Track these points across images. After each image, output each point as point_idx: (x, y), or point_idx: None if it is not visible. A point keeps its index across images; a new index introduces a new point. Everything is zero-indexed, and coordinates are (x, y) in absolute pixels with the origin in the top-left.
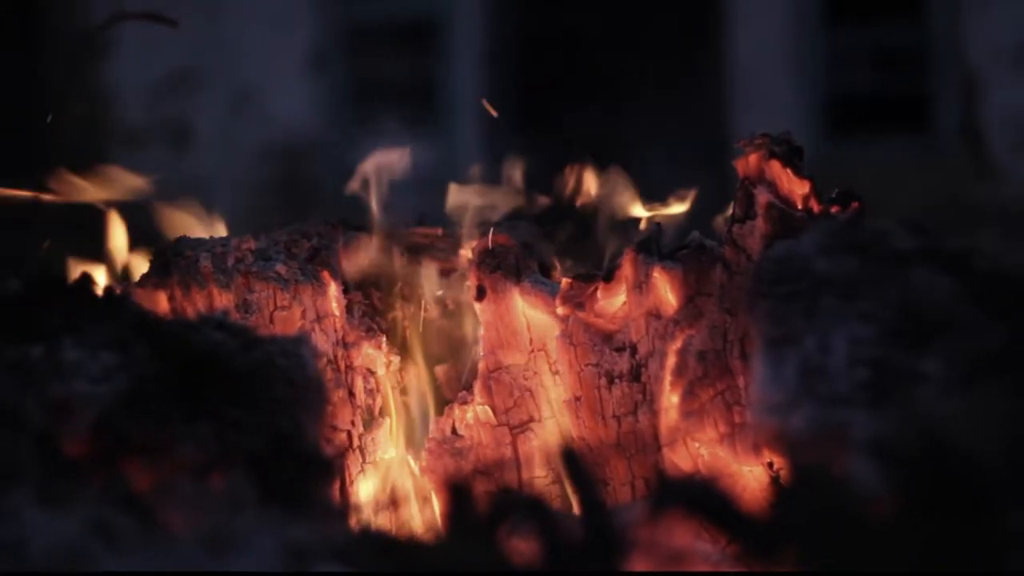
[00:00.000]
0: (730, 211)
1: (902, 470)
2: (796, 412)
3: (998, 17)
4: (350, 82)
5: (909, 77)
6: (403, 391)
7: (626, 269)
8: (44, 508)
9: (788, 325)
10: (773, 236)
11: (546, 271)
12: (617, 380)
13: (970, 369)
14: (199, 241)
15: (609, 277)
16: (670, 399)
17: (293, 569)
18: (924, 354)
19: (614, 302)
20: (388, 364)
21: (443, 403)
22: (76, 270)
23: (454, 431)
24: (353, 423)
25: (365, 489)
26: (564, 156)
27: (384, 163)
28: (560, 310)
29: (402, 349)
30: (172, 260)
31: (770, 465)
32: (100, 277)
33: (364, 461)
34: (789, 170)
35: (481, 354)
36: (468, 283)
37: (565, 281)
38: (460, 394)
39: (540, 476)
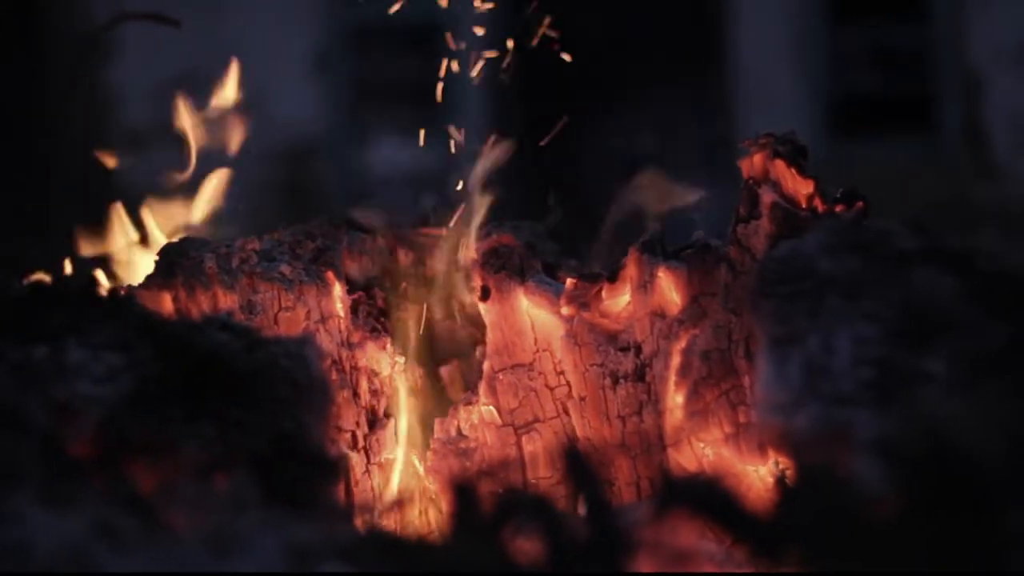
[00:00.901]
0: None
1: (905, 470)
2: (800, 412)
3: (999, 17)
4: (354, 83)
5: (911, 77)
6: (408, 392)
7: (630, 269)
8: (48, 509)
9: (792, 324)
10: (777, 236)
11: (550, 271)
12: (622, 380)
13: (972, 369)
14: (203, 242)
15: (613, 277)
16: (675, 399)
17: (297, 570)
18: (927, 354)
19: (619, 302)
20: (393, 365)
21: (448, 404)
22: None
23: (459, 432)
24: (358, 424)
25: (369, 490)
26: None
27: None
28: (565, 310)
29: (407, 350)
30: (176, 261)
31: (775, 465)
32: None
33: (369, 462)
34: (793, 170)
35: (486, 355)
36: (473, 283)
37: (569, 281)
38: (465, 395)
39: (545, 476)
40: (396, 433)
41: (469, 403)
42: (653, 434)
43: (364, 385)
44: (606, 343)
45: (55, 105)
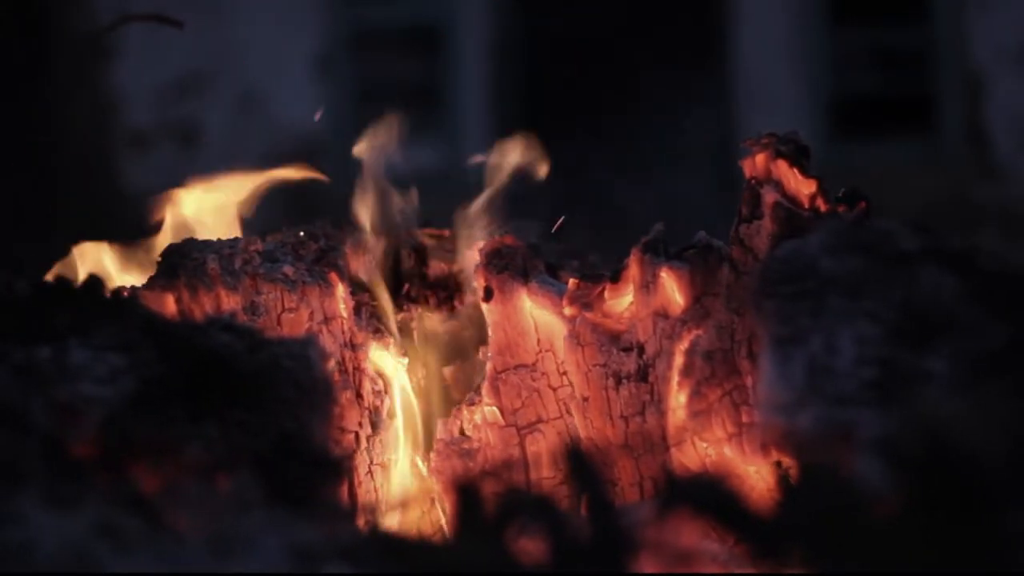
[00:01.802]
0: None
1: (907, 469)
2: (803, 412)
3: (1001, 18)
4: (356, 85)
5: (913, 78)
6: (411, 392)
7: (633, 269)
8: (50, 510)
9: (795, 324)
10: (780, 236)
11: (553, 271)
12: (624, 380)
13: (974, 368)
14: (206, 243)
15: (616, 277)
16: (677, 399)
17: (300, 571)
18: (929, 353)
19: (621, 302)
20: (396, 366)
21: (451, 404)
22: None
23: (462, 432)
24: (361, 424)
25: (372, 490)
26: (570, 158)
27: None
28: (567, 310)
29: (410, 351)
30: (179, 262)
31: (778, 465)
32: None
33: (372, 462)
34: (796, 170)
35: (489, 355)
36: (475, 284)
37: (572, 281)
38: (468, 395)
39: (548, 477)
40: (399, 434)
41: (472, 404)
42: (656, 434)
43: (367, 386)
44: (609, 343)
45: (58, 106)
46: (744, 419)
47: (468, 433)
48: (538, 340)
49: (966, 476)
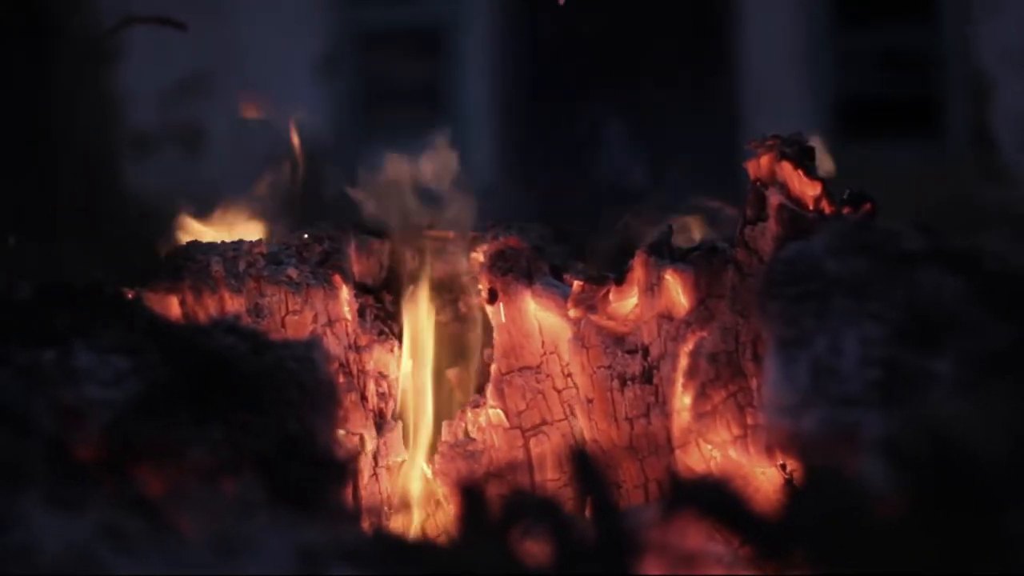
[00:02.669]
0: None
1: (912, 470)
2: (808, 413)
3: (1007, 20)
4: (360, 87)
5: (918, 79)
6: (415, 394)
7: (638, 271)
8: (54, 512)
9: (799, 326)
10: (784, 237)
11: (557, 273)
12: (629, 382)
13: (978, 369)
14: (210, 245)
15: (621, 279)
16: (682, 401)
17: (305, 572)
18: (933, 354)
19: (626, 304)
20: (400, 367)
21: (455, 406)
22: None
23: (467, 434)
24: (365, 426)
25: (377, 492)
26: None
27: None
28: (572, 312)
29: (414, 352)
30: (183, 264)
31: (783, 466)
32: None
33: (376, 464)
34: (800, 171)
35: (493, 357)
36: (480, 286)
37: (577, 283)
38: (473, 397)
39: (553, 478)
40: (403, 436)
41: (477, 405)
42: (661, 436)
43: (372, 388)
44: (613, 345)
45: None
46: (749, 421)
47: (473, 435)
48: (543, 342)
49: (970, 477)
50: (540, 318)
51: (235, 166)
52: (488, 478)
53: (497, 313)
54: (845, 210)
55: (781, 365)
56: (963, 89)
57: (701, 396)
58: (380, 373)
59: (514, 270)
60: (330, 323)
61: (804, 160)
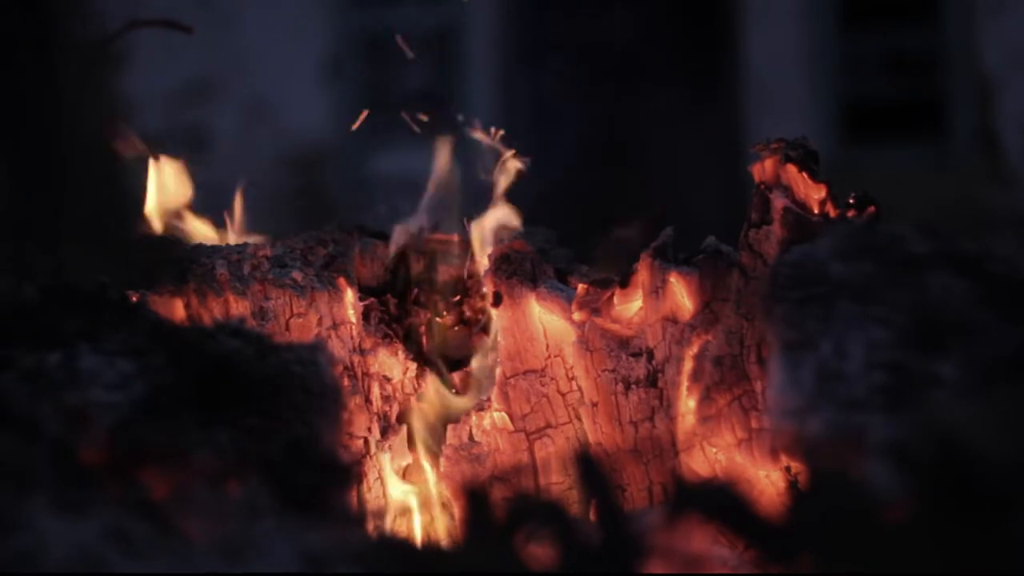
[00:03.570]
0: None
1: (918, 474)
2: (813, 416)
3: (1013, 22)
4: (365, 90)
5: (924, 82)
6: (420, 397)
7: (642, 274)
8: (60, 516)
9: (804, 329)
10: (789, 241)
11: (562, 277)
12: (634, 386)
13: (985, 373)
14: (215, 248)
15: (625, 283)
16: (687, 404)
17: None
18: (939, 358)
19: (630, 307)
20: (405, 371)
21: (460, 410)
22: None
23: (471, 437)
24: (370, 430)
25: (382, 496)
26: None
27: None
28: (576, 316)
29: (419, 355)
30: (188, 267)
31: (787, 470)
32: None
33: (381, 468)
34: (805, 174)
35: (498, 360)
36: (484, 289)
37: (581, 287)
38: (477, 400)
39: (557, 482)
40: (408, 439)
41: (481, 409)
42: (665, 439)
43: (376, 391)
44: (618, 348)
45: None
46: (753, 424)
47: (477, 438)
48: (547, 345)
49: (976, 480)
50: (544, 321)
51: (241, 169)
52: (492, 481)
53: (502, 316)
54: (850, 213)
55: (786, 368)
56: (968, 92)
57: (706, 399)
58: (384, 376)
59: (518, 273)
60: (335, 326)
61: (809, 163)
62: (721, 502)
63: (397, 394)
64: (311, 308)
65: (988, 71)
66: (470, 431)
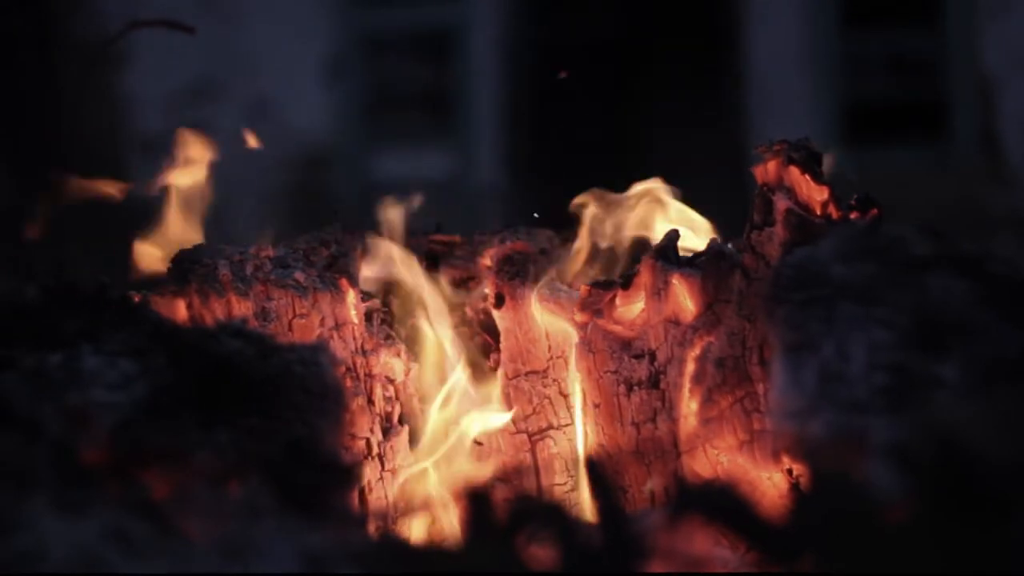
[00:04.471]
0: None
1: (919, 475)
2: (815, 418)
3: (1014, 24)
4: (367, 91)
5: (925, 83)
6: (422, 398)
7: (644, 276)
8: (61, 515)
9: (806, 331)
10: (792, 242)
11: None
12: (636, 387)
13: (986, 374)
14: (217, 249)
15: (627, 284)
16: (689, 406)
17: None
18: (941, 359)
19: (633, 309)
20: (407, 371)
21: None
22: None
23: (473, 438)
24: (372, 430)
25: (383, 496)
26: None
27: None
28: (579, 317)
29: (420, 356)
30: (190, 268)
31: (789, 471)
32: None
33: (383, 468)
34: (808, 176)
35: (500, 361)
36: (487, 290)
37: (583, 288)
38: (479, 401)
39: (559, 483)
40: (410, 440)
41: (483, 410)
42: (667, 441)
43: (378, 392)
44: (620, 350)
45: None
46: (755, 426)
47: (479, 440)
48: (549, 347)
49: (978, 481)
50: (547, 323)
51: (243, 170)
52: (494, 482)
53: (504, 317)
54: (852, 215)
55: (788, 370)
56: (969, 92)
57: (708, 401)
58: (387, 377)
59: (521, 275)
60: (337, 327)
61: (811, 165)
62: (723, 503)
63: (399, 395)
64: (313, 309)
65: (989, 72)
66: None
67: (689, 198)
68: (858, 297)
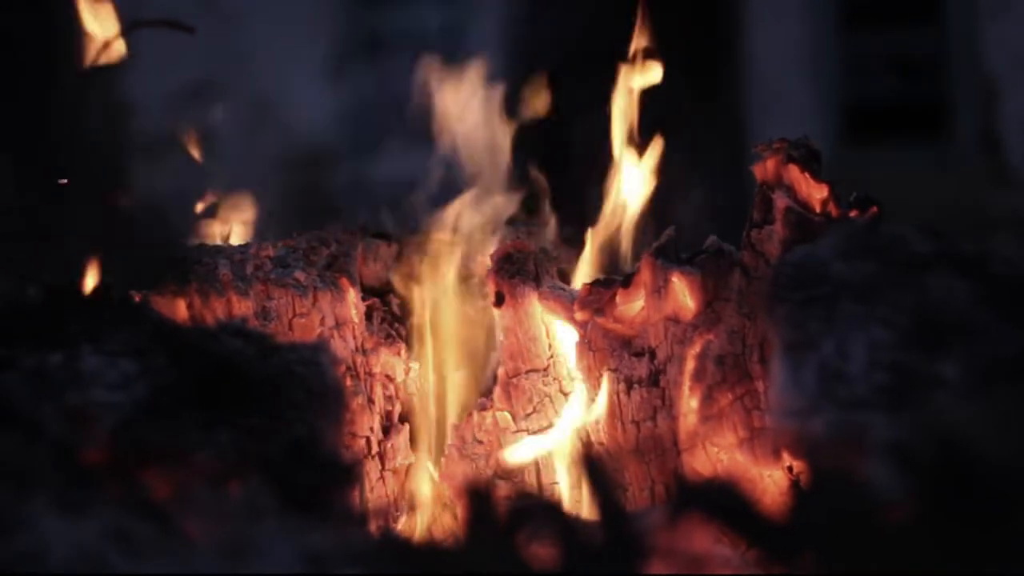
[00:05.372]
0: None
1: (920, 474)
2: (815, 416)
3: (1015, 24)
4: (368, 92)
5: (926, 83)
6: (422, 397)
7: (644, 274)
8: (62, 516)
9: (806, 329)
10: (791, 241)
11: (564, 276)
12: (636, 385)
13: (987, 373)
14: (218, 248)
15: (627, 282)
16: (689, 404)
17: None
18: (942, 358)
19: (633, 307)
20: (407, 370)
21: (462, 409)
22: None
23: (474, 437)
24: (372, 429)
25: (384, 495)
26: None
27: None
28: (579, 315)
29: (421, 355)
30: (191, 267)
31: (789, 469)
32: None
33: (383, 467)
34: (807, 174)
35: (500, 360)
36: (487, 289)
37: (583, 286)
38: (479, 400)
39: (559, 481)
40: (410, 438)
41: (484, 408)
42: (667, 439)
43: (379, 391)
44: (620, 348)
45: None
46: (755, 424)
47: (479, 438)
48: (549, 345)
49: (978, 480)
50: (547, 321)
51: (244, 170)
52: (495, 481)
53: (504, 316)
54: (852, 213)
55: (788, 368)
56: (971, 93)
57: (708, 399)
58: (387, 376)
59: (521, 273)
60: (337, 326)
61: (811, 163)
62: (723, 502)
63: (399, 394)
64: (314, 308)
65: (991, 73)
66: (472, 430)
67: (689, 198)
68: (858, 296)
